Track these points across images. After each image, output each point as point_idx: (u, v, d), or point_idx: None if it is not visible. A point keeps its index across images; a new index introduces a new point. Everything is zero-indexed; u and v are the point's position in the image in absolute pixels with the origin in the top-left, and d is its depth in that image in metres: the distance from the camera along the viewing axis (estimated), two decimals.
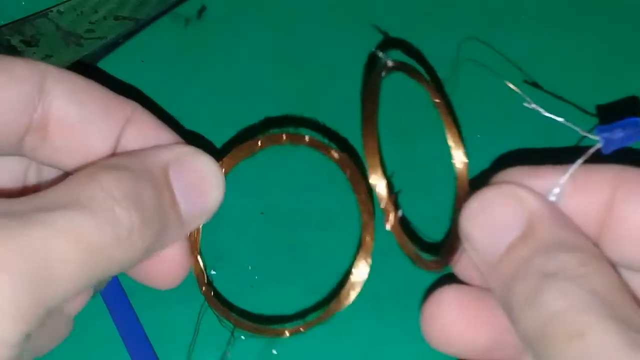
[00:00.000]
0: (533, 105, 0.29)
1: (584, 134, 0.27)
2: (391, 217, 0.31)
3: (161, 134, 0.32)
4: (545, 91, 0.37)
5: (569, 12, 0.48)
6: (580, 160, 0.27)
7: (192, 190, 0.30)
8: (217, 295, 0.37)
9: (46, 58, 0.44)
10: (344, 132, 0.44)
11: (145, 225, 0.27)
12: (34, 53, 0.44)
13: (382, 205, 0.31)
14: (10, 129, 0.29)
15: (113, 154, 0.31)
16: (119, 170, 0.28)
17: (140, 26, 0.46)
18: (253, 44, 0.47)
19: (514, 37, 0.47)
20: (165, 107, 0.45)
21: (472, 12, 0.48)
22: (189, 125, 0.45)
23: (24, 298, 0.23)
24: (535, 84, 0.36)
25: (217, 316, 0.34)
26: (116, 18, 0.45)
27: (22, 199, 0.25)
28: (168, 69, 0.46)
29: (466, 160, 0.31)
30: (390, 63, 0.33)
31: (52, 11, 0.45)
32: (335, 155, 0.35)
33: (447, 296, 0.29)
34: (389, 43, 0.44)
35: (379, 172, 0.32)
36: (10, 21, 0.45)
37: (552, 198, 0.27)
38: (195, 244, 0.34)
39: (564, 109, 0.40)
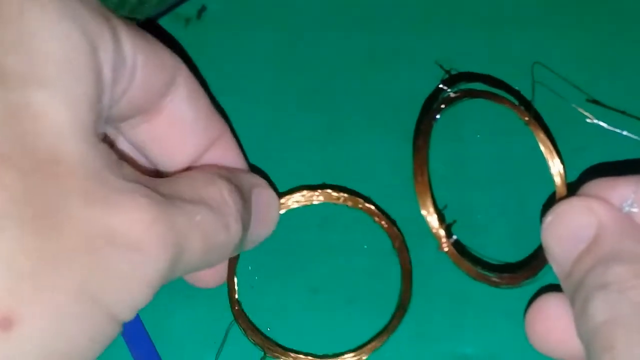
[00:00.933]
0: (597, 122, 0.34)
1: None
2: (444, 242, 0.35)
3: (237, 161, 0.37)
4: (608, 107, 0.39)
5: (569, 12, 0.49)
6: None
7: (260, 218, 0.35)
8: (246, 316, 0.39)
9: None
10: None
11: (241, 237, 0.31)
12: None
13: (434, 232, 0.35)
14: (138, 103, 0.31)
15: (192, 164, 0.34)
16: (231, 183, 0.31)
17: (139, 26, 0.46)
18: (253, 44, 0.47)
19: (514, 37, 0.47)
20: None
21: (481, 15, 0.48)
22: None
23: (166, 270, 0.26)
24: (596, 102, 0.38)
25: (247, 337, 0.38)
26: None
27: (161, 182, 0.28)
28: None
29: (563, 170, 0.35)
30: (452, 94, 0.36)
31: None
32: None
33: (549, 302, 0.30)
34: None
35: (430, 206, 0.35)
36: None
37: (627, 209, 0.29)
38: (233, 265, 0.38)
39: (625, 122, 0.41)
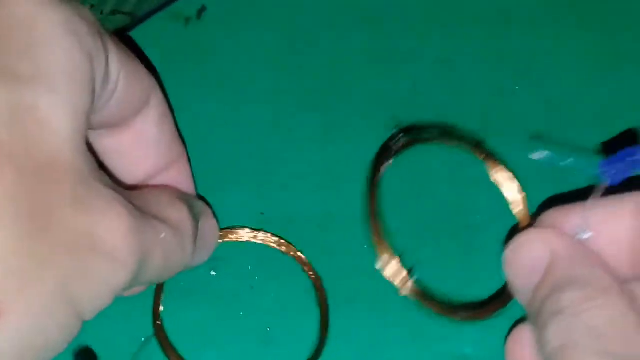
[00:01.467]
0: (541, 156, 0.34)
1: (589, 171, 0.31)
2: (405, 284, 0.37)
3: (189, 186, 0.38)
4: (552, 142, 0.40)
5: (570, 12, 0.49)
6: (592, 197, 0.30)
7: (203, 244, 0.36)
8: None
9: None
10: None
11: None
12: None
13: (396, 282, 0.37)
14: (112, 117, 0.32)
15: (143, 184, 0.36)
16: (187, 204, 0.33)
17: (136, 22, 0.46)
18: (253, 44, 0.47)
19: (514, 37, 0.47)
20: None
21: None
22: (188, 125, 0.44)
23: (129, 281, 0.27)
24: (540, 137, 0.39)
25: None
26: (112, 13, 0.45)
27: (133, 195, 0.29)
28: (168, 69, 0.46)
29: (524, 202, 0.37)
30: (402, 141, 0.38)
31: None
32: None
33: (524, 332, 0.31)
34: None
35: (388, 253, 0.37)
36: None
37: (579, 236, 0.30)
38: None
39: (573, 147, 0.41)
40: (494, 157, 0.38)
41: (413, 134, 0.39)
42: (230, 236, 0.41)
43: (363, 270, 0.41)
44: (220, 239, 0.40)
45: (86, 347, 0.39)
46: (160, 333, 0.38)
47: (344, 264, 0.41)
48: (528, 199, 0.39)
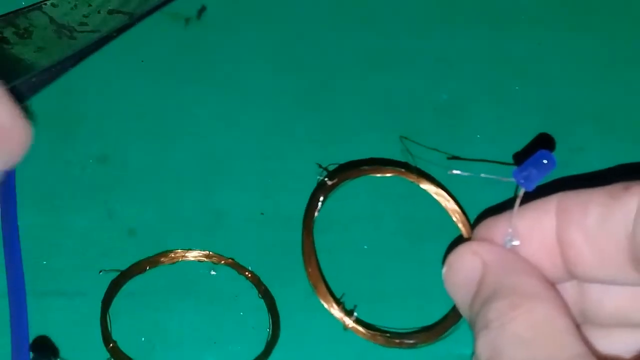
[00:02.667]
0: (457, 172, 0.34)
1: (503, 179, 0.32)
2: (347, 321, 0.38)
3: None
4: (466, 159, 0.41)
5: (569, 12, 0.49)
6: (515, 206, 0.30)
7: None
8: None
9: (38, 51, 0.44)
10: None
11: None
12: (27, 45, 0.44)
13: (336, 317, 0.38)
14: None
15: None
16: None
17: (135, 21, 0.46)
18: (253, 44, 0.47)
19: (513, 37, 0.47)
20: (165, 107, 0.45)
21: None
22: (188, 125, 0.45)
23: None
24: (456, 157, 0.40)
25: None
26: (110, 12, 0.45)
27: None
28: (168, 69, 0.46)
29: (465, 217, 0.38)
30: (329, 182, 0.39)
31: (46, 4, 0.45)
32: None
33: None
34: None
35: (328, 297, 0.38)
36: (3, 13, 0.45)
37: (509, 244, 0.30)
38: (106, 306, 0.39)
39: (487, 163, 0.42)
40: (426, 176, 0.39)
41: (342, 172, 0.40)
42: (163, 259, 0.41)
43: (363, 269, 0.41)
44: (154, 265, 0.40)
45: (44, 337, 0.39)
46: (117, 354, 0.38)
47: (344, 263, 0.41)
48: (469, 213, 0.39)
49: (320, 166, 0.40)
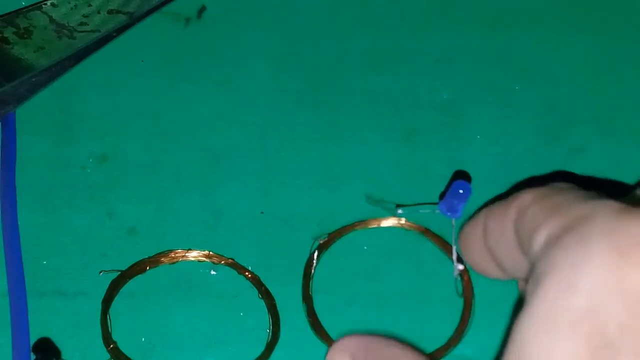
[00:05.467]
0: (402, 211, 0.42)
1: (429, 210, 0.40)
2: None
3: None
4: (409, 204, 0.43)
5: (569, 12, 0.49)
6: (453, 235, 0.37)
7: None
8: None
9: (38, 51, 0.44)
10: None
11: None
12: (27, 45, 0.44)
13: None
14: None
15: None
16: None
17: (134, 21, 0.46)
18: (253, 44, 0.47)
19: (513, 37, 0.48)
20: (165, 107, 0.45)
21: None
22: (188, 125, 0.45)
23: None
24: (400, 205, 0.43)
25: None
26: (110, 12, 0.45)
27: None
28: (168, 69, 0.46)
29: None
30: (322, 240, 0.41)
31: (46, 4, 0.45)
32: None
33: None
34: None
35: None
36: (3, 13, 0.45)
37: (456, 270, 0.39)
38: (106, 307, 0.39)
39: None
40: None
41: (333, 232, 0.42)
42: (163, 259, 0.41)
43: (364, 269, 0.41)
44: (154, 265, 0.40)
45: (46, 339, 0.39)
46: (117, 355, 0.38)
47: (344, 263, 0.41)
48: None
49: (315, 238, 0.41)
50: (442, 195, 0.42)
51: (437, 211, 0.39)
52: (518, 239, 0.26)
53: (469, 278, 0.40)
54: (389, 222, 0.42)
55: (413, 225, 0.42)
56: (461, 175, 0.44)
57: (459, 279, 0.40)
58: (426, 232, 0.42)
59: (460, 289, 0.40)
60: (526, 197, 0.26)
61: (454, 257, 0.39)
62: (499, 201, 0.28)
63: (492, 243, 0.28)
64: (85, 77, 0.45)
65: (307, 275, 0.40)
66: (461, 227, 0.30)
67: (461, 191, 0.38)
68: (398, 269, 0.41)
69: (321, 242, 0.41)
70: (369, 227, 0.42)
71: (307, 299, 0.40)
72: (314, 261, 0.41)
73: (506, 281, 0.33)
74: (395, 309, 0.40)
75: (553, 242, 0.23)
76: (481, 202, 0.42)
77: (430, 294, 0.41)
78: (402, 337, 0.39)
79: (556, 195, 0.25)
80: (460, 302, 0.40)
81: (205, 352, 0.39)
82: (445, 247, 0.41)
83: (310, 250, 0.41)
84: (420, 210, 0.41)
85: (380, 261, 0.41)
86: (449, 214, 0.38)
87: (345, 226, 0.42)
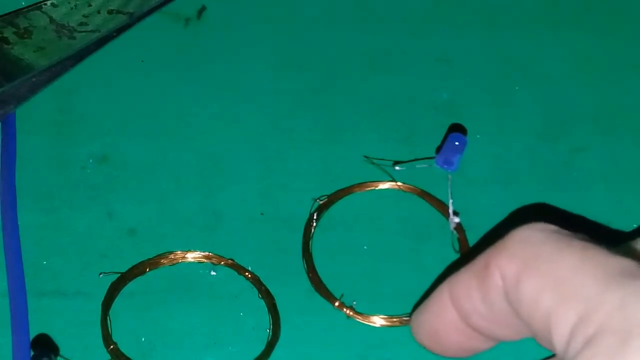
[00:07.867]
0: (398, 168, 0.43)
1: (426, 165, 0.41)
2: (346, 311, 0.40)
3: None
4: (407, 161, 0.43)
5: (569, 12, 0.49)
6: (449, 187, 0.38)
7: None
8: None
9: (38, 51, 0.44)
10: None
11: None
12: (27, 45, 0.44)
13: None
14: None
15: None
16: None
17: (135, 21, 0.46)
18: (253, 44, 0.47)
19: (513, 37, 0.48)
20: (165, 107, 0.45)
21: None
22: (188, 126, 0.45)
23: None
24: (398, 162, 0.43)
25: None
26: (110, 12, 0.45)
27: None
28: (168, 69, 0.46)
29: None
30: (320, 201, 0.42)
31: (46, 4, 0.45)
32: None
33: None
34: None
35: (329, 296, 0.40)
36: (3, 13, 0.45)
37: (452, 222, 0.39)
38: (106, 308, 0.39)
39: None
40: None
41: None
42: (163, 261, 0.40)
43: (363, 269, 0.41)
44: (154, 266, 0.40)
45: (44, 335, 0.39)
46: (117, 356, 0.38)
47: (344, 263, 0.41)
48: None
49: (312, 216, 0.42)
50: (438, 149, 0.42)
51: (434, 165, 0.40)
52: (516, 311, 0.24)
53: (465, 236, 0.41)
54: (386, 185, 0.43)
55: (410, 187, 0.42)
56: (457, 129, 0.44)
57: (454, 232, 0.41)
58: (422, 193, 0.42)
59: (456, 245, 0.41)
60: (508, 265, 0.24)
61: (450, 210, 0.39)
62: (454, 276, 0.26)
63: (479, 321, 0.26)
64: (85, 77, 0.45)
65: (306, 234, 0.41)
66: (413, 321, 0.29)
67: (457, 143, 0.39)
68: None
69: (321, 202, 0.42)
70: (367, 189, 0.43)
71: (307, 255, 0.40)
72: (314, 221, 0.41)
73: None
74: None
75: (590, 343, 0.21)
76: (482, 202, 0.43)
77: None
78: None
79: (545, 262, 0.23)
80: (457, 258, 0.40)
81: (205, 352, 0.39)
82: (441, 207, 0.42)
83: (310, 211, 0.42)
84: (417, 166, 0.42)
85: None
86: (445, 166, 0.39)
87: (344, 188, 0.42)
